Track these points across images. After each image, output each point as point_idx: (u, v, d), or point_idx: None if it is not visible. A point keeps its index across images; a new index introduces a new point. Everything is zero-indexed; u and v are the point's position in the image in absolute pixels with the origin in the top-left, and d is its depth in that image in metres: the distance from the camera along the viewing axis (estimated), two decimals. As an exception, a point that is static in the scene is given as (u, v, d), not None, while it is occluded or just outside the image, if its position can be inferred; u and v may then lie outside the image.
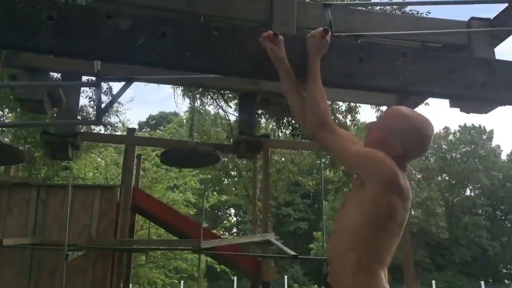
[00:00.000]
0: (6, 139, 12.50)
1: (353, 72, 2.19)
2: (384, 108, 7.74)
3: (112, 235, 8.90)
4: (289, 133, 9.90)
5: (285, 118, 9.53)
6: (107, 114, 14.23)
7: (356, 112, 9.96)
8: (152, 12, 3.92)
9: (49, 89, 3.79)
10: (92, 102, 11.24)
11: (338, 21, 3.80)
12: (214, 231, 15.70)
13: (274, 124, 9.65)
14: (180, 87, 9.52)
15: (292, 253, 7.51)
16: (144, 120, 40.59)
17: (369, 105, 8.73)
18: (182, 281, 18.35)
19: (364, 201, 1.77)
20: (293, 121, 9.47)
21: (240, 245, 9.35)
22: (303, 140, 9.54)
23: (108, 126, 14.30)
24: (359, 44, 2.35)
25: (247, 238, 9.32)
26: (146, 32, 1.98)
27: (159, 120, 40.61)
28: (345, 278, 1.77)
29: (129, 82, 3.33)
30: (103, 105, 3.20)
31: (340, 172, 9.99)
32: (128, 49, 1.94)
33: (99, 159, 16.50)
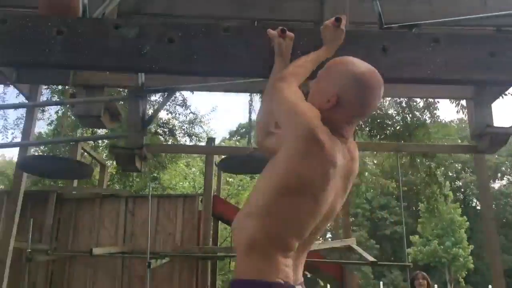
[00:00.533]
0: (103, 155, 13.30)
1: (375, 65, 2.01)
2: (463, 102, 7.21)
3: (195, 242, 9.15)
4: (367, 134, 9.56)
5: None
6: (190, 125, 14.73)
7: (435, 108, 9.40)
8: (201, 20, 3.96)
9: (106, 104, 3.93)
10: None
11: (395, 12, 3.60)
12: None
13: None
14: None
15: (371, 259, 7.21)
16: (234, 129, 41.44)
17: (447, 100, 8.17)
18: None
19: (277, 160, 1.56)
20: (369, 120, 9.14)
21: (322, 251, 9.17)
22: (381, 142, 9.17)
23: (193, 136, 14.73)
24: (383, 32, 2.16)
25: (326, 244, 9.11)
26: (152, 39, 1.96)
27: (248, 128, 41.20)
28: (238, 251, 1.54)
29: (171, 92, 3.38)
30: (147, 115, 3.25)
31: (422, 173, 9.43)
32: (134, 58, 1.93)
33: (187, 169, 17.08)
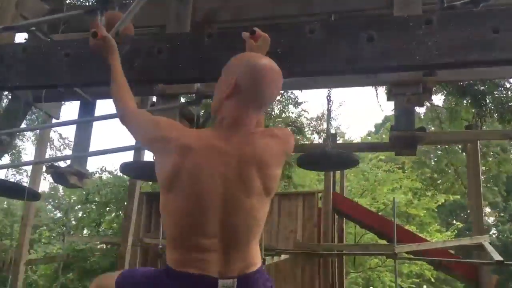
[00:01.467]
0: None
1: (359, 55, 1.91)
2: None
3: (315, 240, 9.20)
4: (497, 120, 8.61)
5: (490, 103, 8.36)
6: (318, 121, 14.72)
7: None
8: (259, 22, 4.03)
9: (181, 110, 4.21)
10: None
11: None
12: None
13: (475, 110, 8.47)
14: (382, 87, 9.24)
15: (499, 258, 6.54)
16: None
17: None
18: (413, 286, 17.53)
19: None
20: (499, 106, 8.23)
21: (451, 249, 8.56)
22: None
23: (322, 133, 14.75)
24: (368, 20, 2.02)
25: (453, 242, 8.46)
26: (143, 53, 2.11)
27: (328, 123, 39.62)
28: None
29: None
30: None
31: None
32: (125, 71, 2.09)
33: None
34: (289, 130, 1.84)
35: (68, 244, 12.71)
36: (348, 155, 4.14)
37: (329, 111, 4.78)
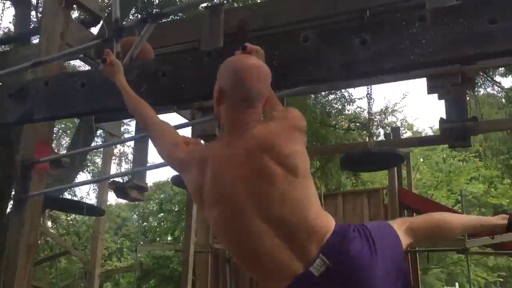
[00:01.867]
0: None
1: (353, 60, 1.88)
2: None
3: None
4: None
5: None
6: (383, 115, 14.35)
7: None
8: (288, 28, 4.02)
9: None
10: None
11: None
12: None
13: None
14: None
15: None
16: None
17: None
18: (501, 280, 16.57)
19: None
20: None
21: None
22: None
23: (387, 127, 14.39)
24: (361, 24, 1.96)
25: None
26: (149, 77, 2.20)
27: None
28: None
29: None
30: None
31: None
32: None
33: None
34: (288, 108, 1.82)
35: (146, 252, 13.29)
36: (391, 153, 4.02)
37: (369, 108, 4.67)
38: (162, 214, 14.11)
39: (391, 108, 14.46)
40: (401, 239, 1.66)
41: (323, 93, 10.95)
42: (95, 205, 6.49)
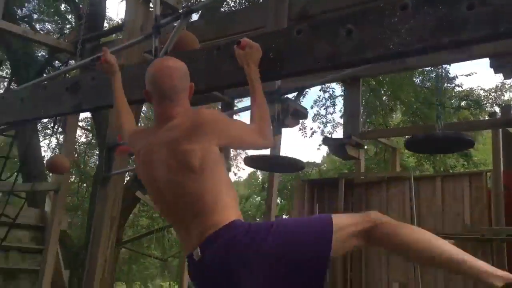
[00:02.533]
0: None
1: (337, 51, 1.93)
2: None
3: (486, 223, 8.45)
4: None
5: None
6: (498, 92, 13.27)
7: None
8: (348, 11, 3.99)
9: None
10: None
11: None
12: None
13: None
14: None
15: None
16: None
17: None
18: None
19: None
20: None
21: None
22: None
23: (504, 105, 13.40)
24: (347, 14, 1.96)
25: None
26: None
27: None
28: None
29: (300, 92, 3.67)
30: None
31: None
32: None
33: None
34: (200, 108, 2.01)
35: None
36: (457, 137, 3.85)
37: (437, 89, 4.46)
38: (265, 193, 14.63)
39: (508, 84, 13.36)
40: (338, 242, 1.68)
41: (426, 69, 10.46)
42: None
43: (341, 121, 12.13)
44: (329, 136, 11.97)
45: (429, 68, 10.43)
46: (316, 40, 2.00)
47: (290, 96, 3.56)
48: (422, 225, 8.76)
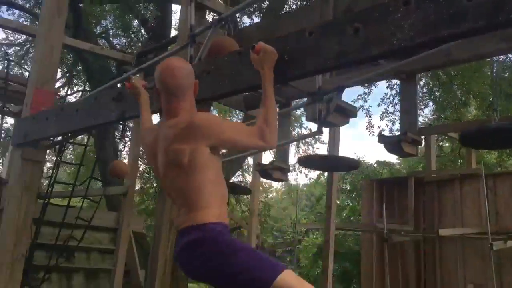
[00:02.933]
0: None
1: (345, 50, 1.97)
2: None
3: None
4: None
5: None
6: None
7: None
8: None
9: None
10: None
11: None
12: None
13: None
14: None
15: None
16: None
17: None
18: None
19: None
20: None
21: None
22: None
23: None
24: (355, 13, 1.96)
25: None
26: (197, 76, 2.57)
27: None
28: None
29: (341, 90, 3.69)
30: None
31: None
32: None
33: None
34: (198, 112, 2.27)
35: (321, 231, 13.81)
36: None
37: (492, 81, 4.24)
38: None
39: None
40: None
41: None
42: (243, 185, 7.16)
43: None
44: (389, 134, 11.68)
45: (503, 56, 9.93)
46: (326, 40, 2.04)
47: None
48: (499, 224, 8.35)
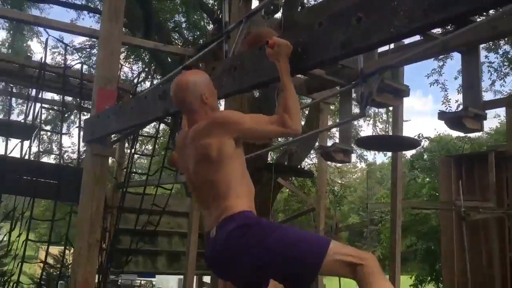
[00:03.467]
0: None
1: (349, 39, 2.03)
2: None
3: None
4: None
5: None
6: None
7: None
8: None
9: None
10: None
11: None
12: None
13: None
14: None
15: None
16: None
17: None
18: None
19: None
20: None
21: None
22: None
23: None
24: (358, 2, 1.97)
25: None
26: (226, 71, 2.74)
27: None
28: None
29: (383, 71, 3.69)
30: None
31: None
32: (220, 85, 2.73)
33: None
34: (217, 111, 2.45)
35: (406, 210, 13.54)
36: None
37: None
38: (414, 171, 14.12)
39: None
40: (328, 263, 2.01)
41: None
42: (306, 169, 7.24)
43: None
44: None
45: None
46: (333, 31, 2.11)
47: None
48: None
